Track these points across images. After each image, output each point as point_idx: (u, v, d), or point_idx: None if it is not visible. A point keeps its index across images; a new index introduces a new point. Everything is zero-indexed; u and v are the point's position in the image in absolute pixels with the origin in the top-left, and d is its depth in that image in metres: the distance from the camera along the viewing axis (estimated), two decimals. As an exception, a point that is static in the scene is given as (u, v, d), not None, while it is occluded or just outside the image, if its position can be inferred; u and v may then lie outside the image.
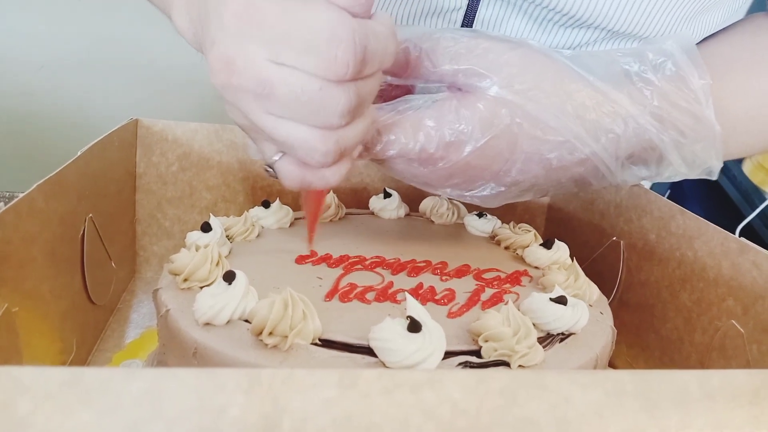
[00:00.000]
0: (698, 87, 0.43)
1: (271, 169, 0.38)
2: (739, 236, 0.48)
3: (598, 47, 0.54)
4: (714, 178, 0.46)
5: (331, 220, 0.59)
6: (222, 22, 0.32)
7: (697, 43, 0.52)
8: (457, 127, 0.40)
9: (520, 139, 0.41)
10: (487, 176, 0.42)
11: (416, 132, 0.41)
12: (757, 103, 0.48)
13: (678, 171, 0.45)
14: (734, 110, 0.47)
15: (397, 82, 0.45)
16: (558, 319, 0.41)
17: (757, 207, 1.28)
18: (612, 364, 0.59)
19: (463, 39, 0.41)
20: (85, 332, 0.51)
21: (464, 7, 0.52)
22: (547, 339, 0.41)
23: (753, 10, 0.58)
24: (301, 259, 0.48)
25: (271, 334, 0.35)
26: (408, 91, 0.47)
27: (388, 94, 0.46)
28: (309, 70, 0.31)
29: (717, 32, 0.55)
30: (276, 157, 0.37)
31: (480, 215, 0.61)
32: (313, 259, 0.48)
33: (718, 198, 1.53)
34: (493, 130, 0.40)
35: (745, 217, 1.23)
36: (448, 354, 0.37)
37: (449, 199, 0.64)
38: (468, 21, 0.54)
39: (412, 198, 0.66)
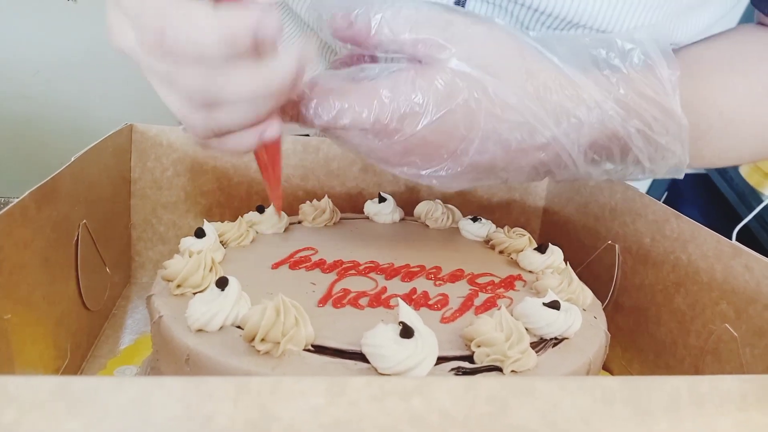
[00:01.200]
0: (666, 77, 0.43)
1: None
2: (736, 238, 0.48)
3: None
4: (680, 176, 0.45)
5: (325, 225, 0.59)
6: None
7: (684, 46, 0.52)
8: (413, 98, 0.39)
9: (477, 116, 0.39)
10: (444, 154, 0.41)
11: (370, 101, 0.39)
12: (732, 106, 0.48)
13: (644, 167, 0.45)
14: (708, 108, 0.47)
15: (358, 52, 0.43)
16: (551, 324, 0.41)
17: (754, 209, 1.28)
18: (607, 368, 0.59)
19: (424, 9, 0.40)
20: (80, 338, 0.51)
21: None
22: (540, 344, 0.41)
23: (743, 20, 0.58)
24: (295, 265, 0.48)
25: (263, 340, 0.35)
26: (371, 61, 0.45)
27: (349, 65, 0.45)
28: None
29: (706, 38, 0.55)
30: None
31: (475, 219, 0.61)
32: (307, 264, 0.48)
33: (715, 200, 1.53)
34: (450, 103, 0.39)
35: (742, 219, 1.23)
36: (441, 359, 0.37)
37: (443, 203, 0.64)
38: None
39: (407, 202, 0.66)
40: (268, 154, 0.41)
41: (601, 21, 0.49)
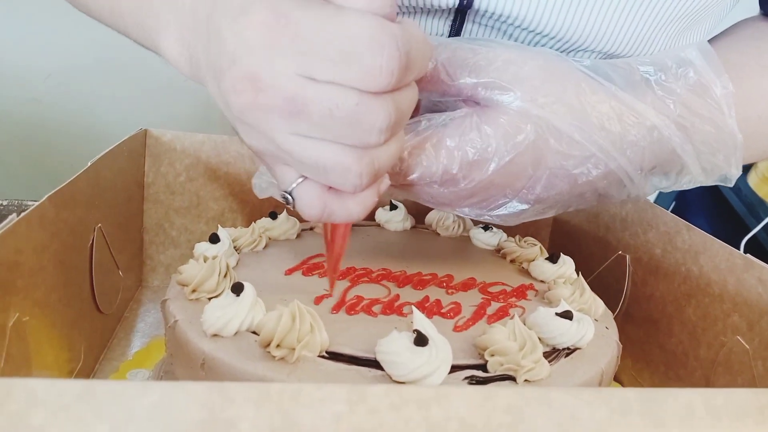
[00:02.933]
0: (720, 96, 0.42)
1: (289, 196, 0.35)
2: (744, 249, 0.48)
3: None
4: (731, 185, 0.46)
5: (337, 232, 0.59)
6: (243, 38, 0.29)
7: None
8: (480, 145, 0.38)
9: (545, 155, 0.39)
10: (510, 194, 0.41)
11: (438, 153, 0.39)
12: (767, 107, 0.48)
13: (696, 179, 0.44)
14: (749, 116, 0.47)
15: None
16: (563, 333, 0.41)
17: (762, 220, 1.27)
18: (617, 379, 0.59)
19: (482, 50, 0.40)
20: (93, 341, 0.52)
21: (446, 33, 0.51)
22: (552, 353, 0.41)
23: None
24: (308, 271, 0.49)
25: (278, 346, 0.36)
26: (416, 107, 0.46)
27: None
28: (347, 82, 0.29)
29: (718, 38, 0.55)
30: (295, 183, 0.34)
31: (486, 228, 0.61)
32: (320, 271, 0.49)
33: (723, 210, 1.53)
34: (518, 147, 0.38)
35: (750, 230, 1.23)
36: (454, 368, 0.37)
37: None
38: None
39: (419, 210, 0.66)
40: (344, 230, 0.40)
41: (605, 44, 0.49)
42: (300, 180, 0.34)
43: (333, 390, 0.23)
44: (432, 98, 0.42)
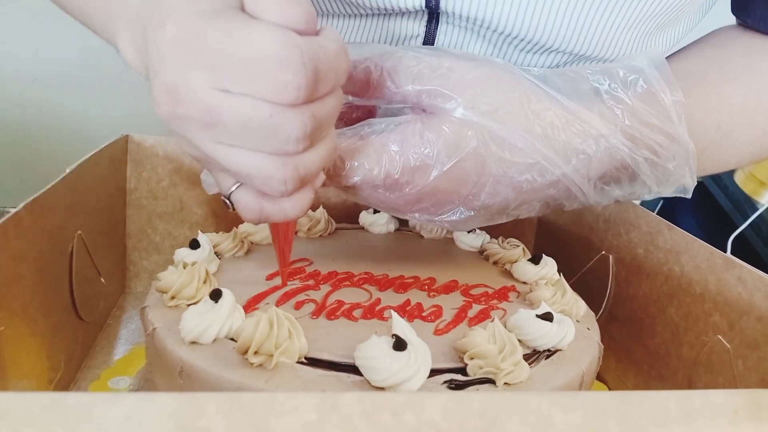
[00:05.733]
0: (670, 104, 0.43)
1: (228, 201, 0.36)
2: (732, 246, 0.48)
3: None
4: (688, 196, 0.46)
5: (320, 236, 0.59)
6: (161, 51, 0.30)
7: (670, 58, 0.52)
8: (423, 151, 0.39)
9: (487, 162, 0.40)
10: (456, 200, 0.41)
11: (380, 157, 0.39)
12: (728, 117, 0.48)
13: (651, 190, 0.45)
14: (707, 125, 0.47)
15: (359, 103, 0.43)
16: (544, 335, 0.41)
17: (749, 217, 1.28)
18: (601, 379, 0.60)
19: (426, 58, 0.40)
20: (74, 349, 0.51)
21: (422, 34, 0.52)
22: (533, 356, 0.41)
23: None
24: (289, 276, 0.48)
25: (256, 353, 0.35)
26: (370, 112, 0.45)
27: (349, 116, 0.45)
28: (258, 95, 0.30)
29: (687, 46, 0.55)
30: (234, 188, 0.35)
31: (469, 230, 0.61)
32: (302, 275, 0.49)
33: (710, 208, 1.54)
34: (460, 153, 0.39)
35: (737, 227, 1.23)
36: (434, 372, 0.37)
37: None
38: None
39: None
40: (289, 226, 0.42)
41: (574, 44, 0.49)
42: (237, 185, 0.35)
43: (305, 399, 0.23)
44: (380, 105, 0.43)
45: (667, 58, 0.51)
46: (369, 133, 0.41)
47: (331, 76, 0.32)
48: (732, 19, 0.57)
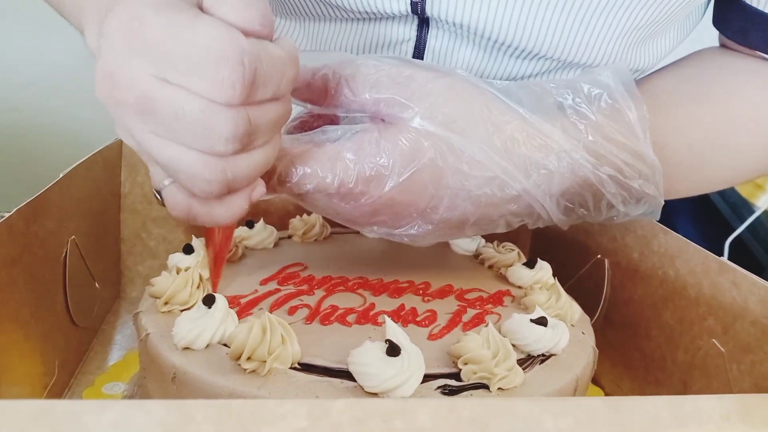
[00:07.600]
0: (635, 120, 0.42)
1: (158, 195, 0.35)
2: (729, 249, 0.48)
3: (552, 77, 0.53)
4: (656, 218, 0.45)
5: (315, 240, 0.59)
6: (107, 35, 0.30)
7: (647, 76, 0.52)
8: (378, 161, 0.38)
9: (445, 174, 0.39)
10: (414, 213, 0.40)
11: (334, 165, 0.38)
12: (701, 137, 0.47)
13: (618, 210, 0.44)
14: (677, 144, 0.46)
15: (318, 111, 0.43)
16: (538, 340, 0.41)
17: (746, 219, 1.28)
18: (597, 383, 0.59)
19: (386, 67, 0.39)
20: (68, 355, 0.51)
21: (413, 39, 0.51)
22: (527, 361, 0.41)
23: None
24: (283, 281, 0.48)
25: (249, 359, 0.35)
26: (332, 121, 0.44)
27: (310, 124, 0.44)
28: (194, 89, 0.30)
29: (668, 65, 0.54)
30: (167, 182, 0.34)
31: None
32: (296, 280, 0.48)
33: (707, 211, 1.54)
34: (416, 164, 0.38)
35: (734, 230, 1.23)
36: (428, 377, 0.37)
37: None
38: (418, 53, 0.53)
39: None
40: (224, 232, 0.41)
41: (561, 51, 0.49)
42: (170, 180, 0.34)
43: (294, 406, 0.23)
44: (338, 114, 0.42)
45: (648, 76, 0.51)
46: (324, 140, 0.40)
47: (273, 82, 0.31)
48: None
